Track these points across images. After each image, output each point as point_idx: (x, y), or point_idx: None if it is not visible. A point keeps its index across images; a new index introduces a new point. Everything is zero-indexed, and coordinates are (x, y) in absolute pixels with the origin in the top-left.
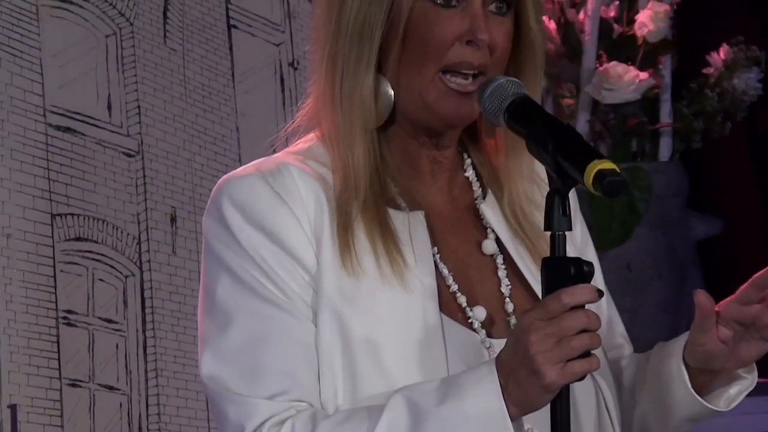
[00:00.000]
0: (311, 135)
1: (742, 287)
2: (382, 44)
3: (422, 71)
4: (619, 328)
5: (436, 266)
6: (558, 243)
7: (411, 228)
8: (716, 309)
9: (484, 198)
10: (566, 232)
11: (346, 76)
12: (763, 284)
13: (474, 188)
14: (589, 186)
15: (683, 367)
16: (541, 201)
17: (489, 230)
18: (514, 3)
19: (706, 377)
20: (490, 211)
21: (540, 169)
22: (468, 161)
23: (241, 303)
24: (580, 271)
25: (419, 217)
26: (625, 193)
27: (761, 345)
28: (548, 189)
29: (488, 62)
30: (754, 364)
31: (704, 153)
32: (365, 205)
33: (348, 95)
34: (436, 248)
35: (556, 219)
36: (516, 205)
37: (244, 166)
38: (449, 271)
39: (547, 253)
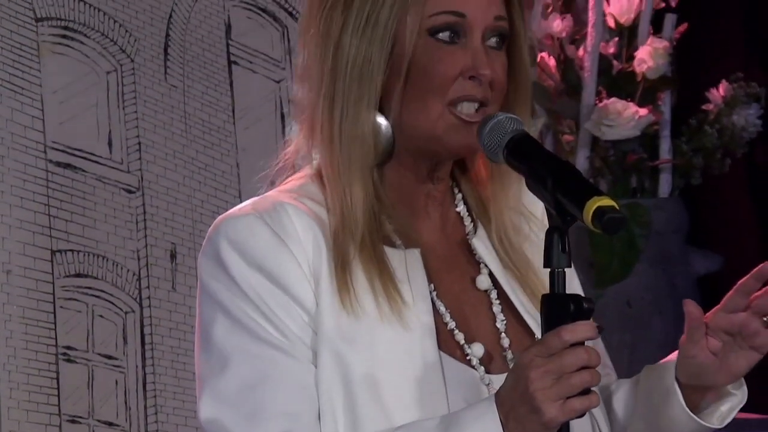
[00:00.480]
0: (303, 172)
1: (728, 295)
2: (383, 82)
3: (427, 106)
4: (604, 356)
5: (433, 303)
6: (557, 280)
7: (408, 266)
8: (705, 320)
9: (475, 232)
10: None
11: (346, 116)
12: (748, 290)
13: (465, 223)
14: (588, 223)
15: (677, 386)
16: (529, 233)
17: (482, 265)
18: (508, 37)
19: (697, 395)
20: (482, 245)
21: (528, 202)
22: (459, 195)
23: (240, 344)
24: (580, 308)
25: (415, 254)
26: (624, 230)
27: (751, 355)
28: (536, 221)
29: (489, 96)
30: (743, 379)
31: (704, 189)
32: (362, 244)
33: (348, 135)
34: (432, 285)
35: (556, 256)
36: (504, 237)
37: (239, 206)
38: (446, 308)
39: (536, 284)
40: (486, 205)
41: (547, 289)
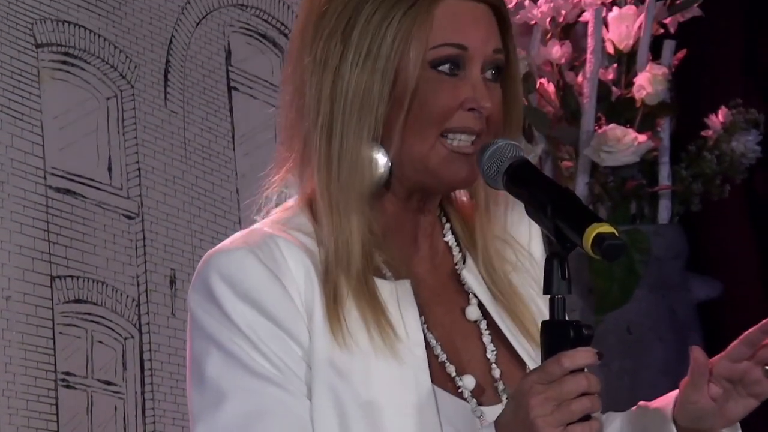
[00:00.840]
0: (290, 203)
1: (733, 344)
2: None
3: (423, 136)
4: None
5: (425, 336)
6: (557, 306)
7: (399, 298)
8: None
9: (464, 263)
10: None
11: (345, 146)
12: (755, 341)
13: (454, 253)
14: (588, 250)
15: (674, 429)
16: (515, 261)
17: (471, 296)
18: (503, 69)
19: None
20: (471, 276)
21: (513, 230)
22: (447, 225)
23: (234, 379)
24: (580, 335)
25: (406, 286)
26: (624, 256)
27: (748, 402)
28: (522, 249)
29: (485, 128)
30: (738, 423)
31: (703, 216)
32: (353, 275)
33: (347, 164)
34: (423, 317)
35: (556, 282)
36: (491, 267)
37: (230, 239)
38: (437, 341)
39: (524, 314)
40: (473, 234)
41: (536, 318)
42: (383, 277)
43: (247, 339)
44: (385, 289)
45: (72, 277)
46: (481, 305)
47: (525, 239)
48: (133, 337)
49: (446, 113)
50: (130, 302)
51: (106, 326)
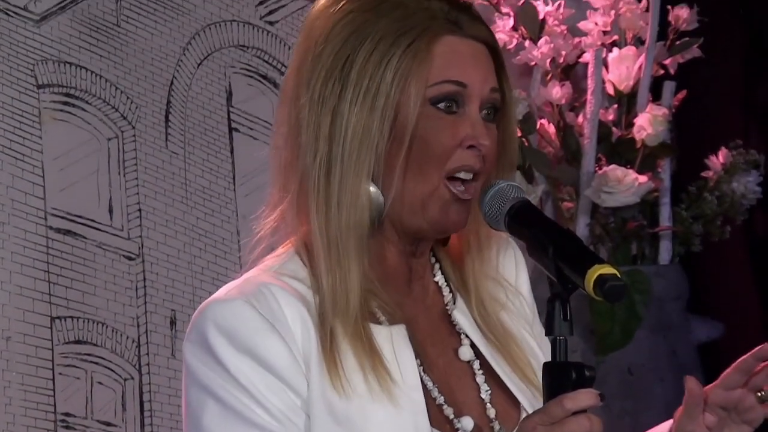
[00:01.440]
0: (281, 249)
1: (727, 372)
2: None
3: (427, 178)
4: None
5: (421, 378)
6: (559, 348)
7: (394, 343)
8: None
9: (454, 303)
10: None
11: (345, 185)
12: (747, 369)
13: (444, 293)
14: (590, 291)
15: None
16: (506, 301)
17: (463, 336)
18: (499, 109)
19: None
20: (462, 316)
21: (504, 270)
22: (437, 266)
23: (231, 430)
24: (582, 376)
25: (401, 331)
26: (625, 298)
27: (743, 429)
28: (512, 289)
29: (483, 167)
30: None
31: (704, 256)
32: (350, 322)
33: (347, 204)
34: (418, 360)
35: (557, 324)
36: (482, 308)
37: (224, 289)
38: (434, 383)
39: (517, 354)
40: (463, 275)
41: (528, 358)
42: (378, 322)
43: (245, 390)
44: (381, 334)
45: (72, 317)
46: (473, 345)
47: (512, 277)
48: (132, 378)
49: (446, 151)
50: (130, 343)
51: (106, 367)
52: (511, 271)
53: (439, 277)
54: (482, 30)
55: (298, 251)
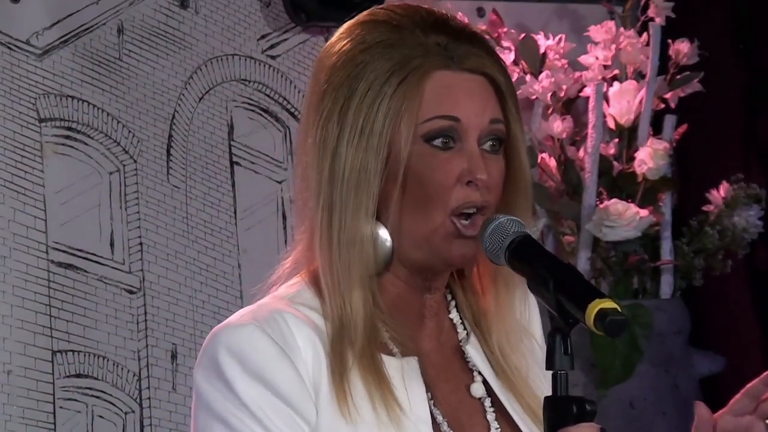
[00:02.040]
0: (296, 278)
1: (735, 398)
2: (380, 190)
3: (428, 216)
4: None
5: (431, 412)
6: (560, 382)
7: (405, 375)
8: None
9: (468, 339)
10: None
11: (344, 225)
12: (756, 394)
13: (459, 330)
14: (590, 326)
15: None
16: (519, 341)
17: (476, 373)
18: (504, 140)
19: None
20: (475, 352)
21: (526, 319)
22: (452, 303)
23: None
24: (583, 410)
25: (413, 363)
26: (626, 332)
27: None
28: (525, 330)
29: (487, 200)
30: None
31: (705, 290)
32: (360, 352)
33: (347, 244)
34: (429, 394)
35: (558, 358)
36: (496, 345)
37: (237, 315)
38: (443, 417)
39: (529, 396)
40: (481, 314)
41: (539, 399)
42: (390, 353)
43: (253, 416)
44: (392, 365)
45: (73, 351)
46: (485, 382)
47: (525, 318)
48: (133, 411)
49: (444, 189)
50: (131, 377)
51: (106, 401)
52: (524, 312)
53: (454, 314)
54: (480, 62)
55: (310, 282)
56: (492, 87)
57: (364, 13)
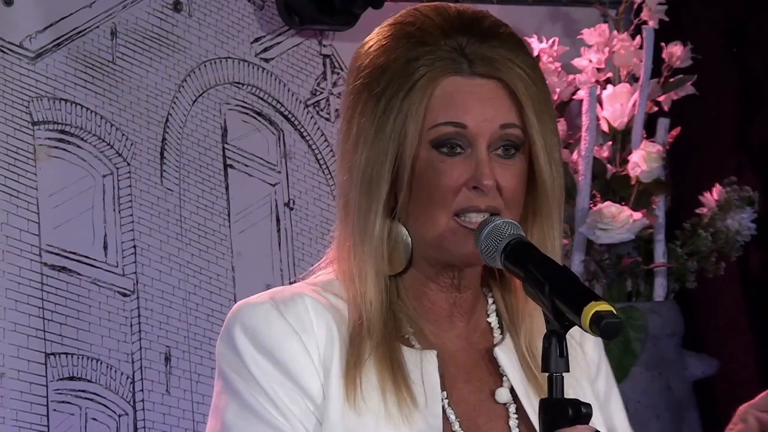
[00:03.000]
0: (330, 269)
1: (764, 393)
2: (395, 192)
3: (434, 217)
4: None
5: (444, 410)
6: (556, 384)
7: (422, 368)
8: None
9: (502, 342)
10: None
11: (357, 225)
12: None
13: (495, 334)
14: (586, 328)
15: None
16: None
17: (504, 378)
18: (523, 145)
19: None
20: (505, 357)
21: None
22: (492, 306)
23: (246, 427)
24: (578, 413)
25: (432, 357)
26: (621, 335)
27: None
28: (574, 342)
29: (499, 204)
30: None
31: (699, 293)
32: (378, 342)
33: (360, 241)
34: (445, 393)
35: (554, 360)
36: (531, 349)
37: (259, 294)
38: (456, 417)
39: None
40: (517, 314)
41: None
42: (411, 346)
43: (263, 391)
44: (411, 357)
45: (66, 354)
46: (512, 389)
47: (578, 336)
48: (127, 414)
49: (448, 194)
50: (124, 379)
51: (100, 403)
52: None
53: (492, 318)
54: (494, 66)
55: (338, 275)
56: (506, 91)
57: (399, 13)
